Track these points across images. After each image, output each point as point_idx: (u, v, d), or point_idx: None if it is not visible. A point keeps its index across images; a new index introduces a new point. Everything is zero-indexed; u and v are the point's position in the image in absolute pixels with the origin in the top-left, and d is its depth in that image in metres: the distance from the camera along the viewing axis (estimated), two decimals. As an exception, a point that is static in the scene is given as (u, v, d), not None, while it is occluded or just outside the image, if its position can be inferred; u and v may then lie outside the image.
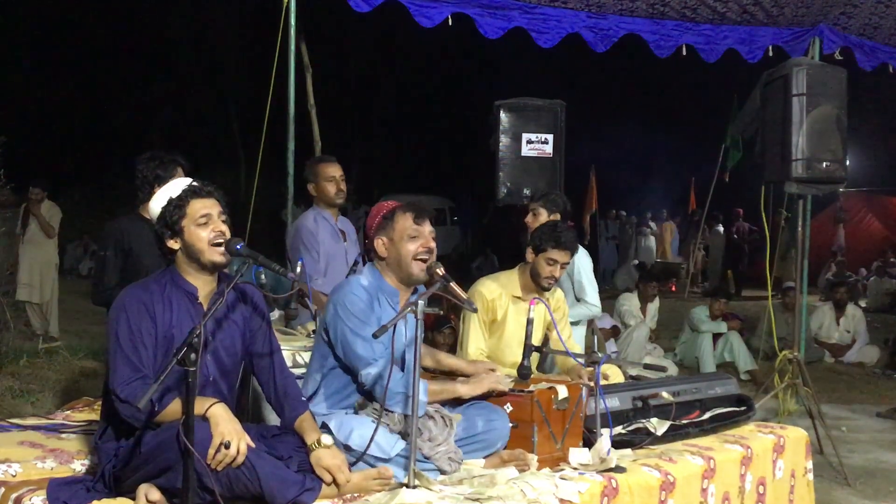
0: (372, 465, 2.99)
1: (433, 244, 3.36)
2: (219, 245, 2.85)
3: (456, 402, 3.42)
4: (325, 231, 4.98)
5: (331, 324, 3.28)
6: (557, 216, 5.04)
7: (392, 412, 3.16)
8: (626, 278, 16.73)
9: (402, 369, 3.30)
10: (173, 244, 2.88)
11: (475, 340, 4.29)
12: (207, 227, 2.86)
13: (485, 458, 3.28)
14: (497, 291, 4.35)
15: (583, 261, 5.16)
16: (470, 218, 24.00)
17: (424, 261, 3.32)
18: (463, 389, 3.38)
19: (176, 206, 2.86)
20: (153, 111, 23.68)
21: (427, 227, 3.35)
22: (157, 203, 2.93)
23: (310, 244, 4.89)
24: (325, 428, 3.09)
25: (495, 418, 3.31)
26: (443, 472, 3.10)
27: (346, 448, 3.01)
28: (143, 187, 4.19)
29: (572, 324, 5.00)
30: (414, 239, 3.31)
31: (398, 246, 3.32)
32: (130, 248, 4.16)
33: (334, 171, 5.04)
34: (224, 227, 2.89)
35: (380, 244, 3.35)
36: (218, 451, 2.59)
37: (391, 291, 3.35)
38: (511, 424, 3.33)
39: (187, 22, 22.54)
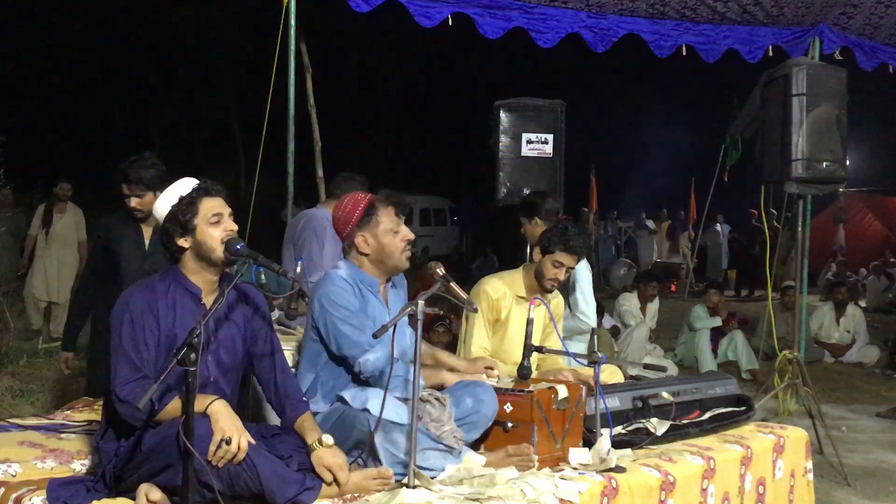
0: (388, 432, 2.99)
1: (412, 235, 3.39)
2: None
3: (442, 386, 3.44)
4: (331, 232, 5.01)
5: (319, 319, 3.29)
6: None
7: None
8: (620, 277, 16.82)
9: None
10: (183, 242, 2.88)
11: (479, 339, 4.29)
12: (219, 225, 2.87)
13: (486, 448, 3.28)
14: (502, 290, 4.35)
15: (582, 273, 5.05)
16: (470, 218, 24.00)
17: (408, 250, 3.35)
18: (448, 376, 3.42)
19: (188, 204, 2.86)
20: (153, 111, 23.69)
21: (403, 218, 3.37)
22: (165, 202, 2.90)
23: (321, 234, 4.92)
24: (340, 400, 3.13)
25: (482, 393, 3.33)
26: (451, 450, 3.12)
27: (364, 411, 3.03)
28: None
29: (564, 337, 4.98)
30: (396, 233, 3.32)
31: (382, 241, 3.32)
32: (109, 245, 4.27)
33: None
34: (234, 227, 2.90)
35: (361, 241, 3.35)
36: (219, 447, 2.59)
37: (371, 282, 3.37)
38: (511, 424, 3.33)
39: (187, 21, 22.53)
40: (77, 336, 4.56)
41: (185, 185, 2.93)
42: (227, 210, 2.91)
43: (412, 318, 2.98)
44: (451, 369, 3.73)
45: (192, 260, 2.90)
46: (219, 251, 2.86)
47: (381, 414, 2.95)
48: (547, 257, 4.25)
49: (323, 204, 5.32)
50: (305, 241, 4.95)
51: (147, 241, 4.30)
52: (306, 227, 5.01)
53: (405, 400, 3.11)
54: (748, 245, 16.59)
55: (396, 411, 3.03)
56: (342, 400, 3.13)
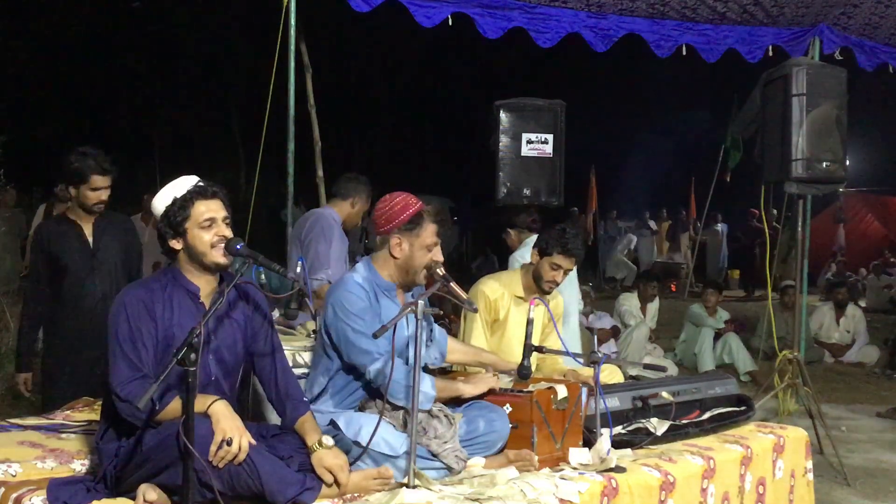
0: (380, 463, 2.98)
1: (441, 258, 3.37)
2: (221, 247, 2.85)
3: (456, 402, 3.42)
4: (338, 232, 5.08)
5: (332, 325, 3.27)
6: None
7: (397, 406, 3.15)
8: (622, 256, 16.89)
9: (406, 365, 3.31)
10: (175, 244, 2.87)
11: (478, 340, 4.30)
12: (211, 230, 2.85)
13: (487, 457, 3.28)
14: (499, 291, 4.35)
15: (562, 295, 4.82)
16: (470, 218, 23.98)
17: (428, 270, 3.34)
18: (465, 388, 3.40)
19: (180, 207, 2.84)
20: (153, 111, 23.68)
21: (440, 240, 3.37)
22: (160, 201, 2.89)
23: (328, 233, 4.95)
24: (332, 425, 3.09)
25: (496, 419, 3.32)
26: (450, 469, 3.10)
27: (356, 444, 3.00)
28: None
29: None
30: (430, 250, 3.32)
31: (416, 253, 3.31)
32: (52, 251, 4.26)
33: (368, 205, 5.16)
34: (227, 232, 2.87)
35: (396, 243, 3.31)
36: (220, 447, 2.59)
37: (387, 286, 3.35)
38: (511, 425, 3.33)
39: (187, 22, 22.53)
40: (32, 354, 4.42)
41: (181, 185, 2.90)
42: (221, 214, 2.87)
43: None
44: (489, 366, 3.80)
45: (187, 261, 2.89)
46: (209, 256, 2.84)
47: (371, 441, 2.95)
48: (545, 259, 4.25)
49: (329, 204, 5.34)
50: (313, 239, 4.97)
51: (91, 238, 4.30)
52: (315, 225, 5.03)
53: (407, 413, 3.09)
54: (748, 245, 16.60)
55: (389, 442, 3.01)
56: (335, 425, 3.09)
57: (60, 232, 4.30)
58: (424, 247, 3.30)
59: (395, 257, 3.33)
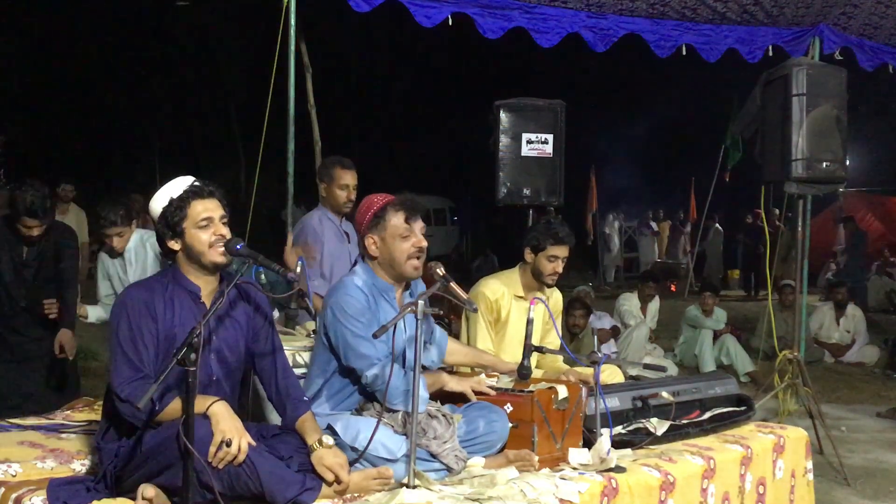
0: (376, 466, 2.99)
1: (425, 243, 3.34)
2: (219, 246, 2.85)
3: (456, 403, 3.42)
4: (330, 231, 5.00)
5: (330, 328, 3.26)
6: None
7: (395, 411, 3.15)
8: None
9: (404, 367, 3.30)
10: (174, 245, 2.88)
11: (483, 340, 4.31)
12: (208, 230, 2.85)
13: (487, 457, 3.28)
14: (500, 291, 4.36)
15: None
16: (470, 218, 23.99)
17: (417, 258, 3.31)
18: (448, 379, 3.43)
19: (177, 207, 2.85)
20: (153, 111, 23.68)
21: (419, 225, 3.32)
22: (157, 202, 2.90)
23: (313, 241, 4.90)
24: (330, 430, 3.09)
25: (496, 419, 3.31)
26: (450, 469, 3.10)
27: (353, 449, 3.00)
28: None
29: None
30: (406, 238, 3.28)
31: (390, 246, 3.29)
32: None
33: (349, 179, 5.02)
34: (225, 231, 2.87)
35: (371, 243, 3.32)
36: (219, 448, 2.59)
37: (386, 288, 3.34)
38: (511, 425, 3.33)
39: (187, 22, 22.53)
40: None
41: (177, 186, 2.90)
42: (218, 213, 2.88)
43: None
44: (491, 368, 3.80)
45: (186, 261, 2.90)
46: (207, 255, 2.84)
47: (369, 445, 2.95)
48: (540, 255, 4.28)
49: (322, 204, 5.29)
50: (298, 257, 4.94)
51: (25, 252, 4.56)
52: (299, 237, 5.01)
53: (406, 415, 3.09)
54: (751, 245, 16.60)
55: (388, 446, 3.00)
56: (333, 430, 3.08)
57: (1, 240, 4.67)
58: (397, 237, 3.27)
59: (374, 257, 3.33)
